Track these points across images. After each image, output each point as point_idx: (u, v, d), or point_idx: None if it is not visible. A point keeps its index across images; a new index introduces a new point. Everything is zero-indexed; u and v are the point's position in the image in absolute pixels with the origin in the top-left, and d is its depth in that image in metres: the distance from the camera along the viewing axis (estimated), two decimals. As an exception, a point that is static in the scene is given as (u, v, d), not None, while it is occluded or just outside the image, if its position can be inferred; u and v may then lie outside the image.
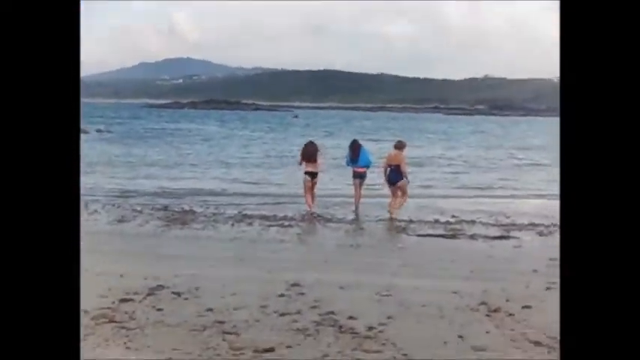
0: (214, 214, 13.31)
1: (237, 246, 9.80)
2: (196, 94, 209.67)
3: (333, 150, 30.49)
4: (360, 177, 14.22)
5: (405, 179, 13.36)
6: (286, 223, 12.21)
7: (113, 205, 14.07)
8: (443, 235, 11.30)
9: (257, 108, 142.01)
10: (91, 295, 5.90)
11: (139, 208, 13.60)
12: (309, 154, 14.01)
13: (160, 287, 6.86)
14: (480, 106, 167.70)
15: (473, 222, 12.77)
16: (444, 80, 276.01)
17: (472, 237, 11.12)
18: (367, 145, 15.66)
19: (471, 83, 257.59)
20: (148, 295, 6.55)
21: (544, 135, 45.65)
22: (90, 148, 31.19)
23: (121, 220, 12.13)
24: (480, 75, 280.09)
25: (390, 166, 13.40)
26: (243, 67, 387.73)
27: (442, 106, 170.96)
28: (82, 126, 48.07)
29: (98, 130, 48.30)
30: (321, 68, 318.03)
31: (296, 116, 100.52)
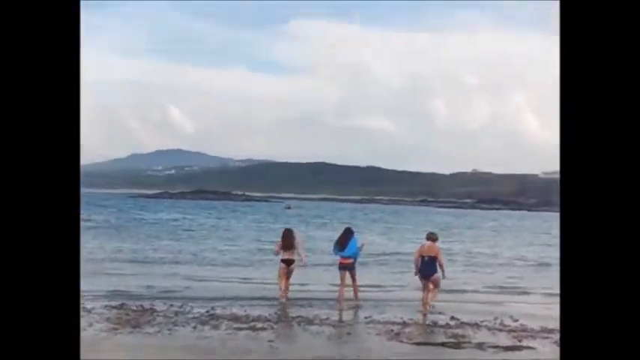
0: (177, 313, 11.45)
1: (192, 358, 7.89)
2: (187, 184, 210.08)
3: (323, 243, 28.82)
4: (346, 269, 12.93)
5: (439, 273, 12.57)
6: (259, 326, 10.36)
7: (61, 302, 12.16)
8: (444, 343, 9.46)
9: (247, 199, 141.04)
10: None
11: (89, 307, 11.67)
12: (287, 241, 13.41)
13: None
14: (469, 200, 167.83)
15: (477, 325, 11.00)
16: (433, 174, 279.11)
17: (479, 346, 9.28)
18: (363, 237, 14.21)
19: (460, 177, 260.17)
20: None
21: (542, 230, 44.18)
22: (61, 237, 29.32)
23: (60, 322, 10.20)
24: (468, 169, 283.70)
25: (423, 257, 12.52)
26: (234, 159, 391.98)
27: (431, 199, 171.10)
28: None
29: (77, 219, 46.58)
30: (311, 160, 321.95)
31: (288, 207, 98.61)
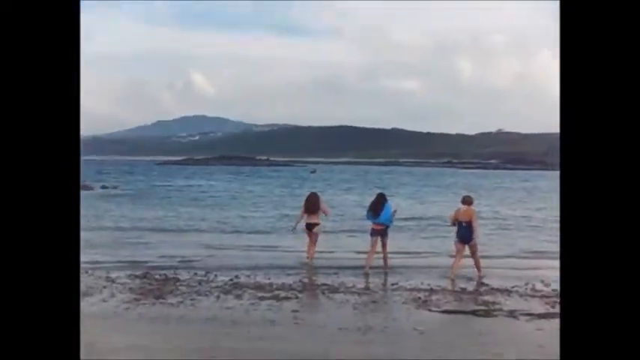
0: (200, 282, 11.30)
1: (213, 331, 7.66)
2: (211, 150, 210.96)
3: (351, 208, 28.41)
4: (378, 234, 12.67)
5: (475, 238, 12.07)
6: (282, 295, 10.15)
7: (85, 272, 12.07)
8: (474, 311, 9.12)
9: (271, 164, 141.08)
10: None
11: (113, 276, 11.61)
12: (311, 205, 13.58)
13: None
14: (494, 161, 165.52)
15: (508, 292, 10.65)
16: (458, 134, 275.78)
17: (511, 314, 8.93)
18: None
19: (485, 138, 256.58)
20: None
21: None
22: (87, 206, 29.49)
23: (83, 294, 10.10)
24: (493, 129, 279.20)
25: (460, 222, 12.10)
26: (257, 124, 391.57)
27: (455, 161, 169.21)
28: (87, 182, 46.94)
29: (103, 187, 46.93)
30: (335, 124, 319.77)
31: (314, 171, 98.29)
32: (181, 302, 9.51)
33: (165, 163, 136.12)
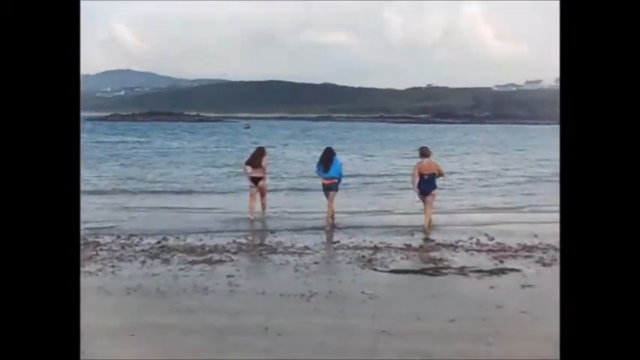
0: (124, 246, 10.24)
1: (136, 303, 6.74)
2: (138, 106, 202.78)
3: (291, 165, 27.48)
4: (329, 189, 12.44)
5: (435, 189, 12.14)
6: (216, 258, 9.29)
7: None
8: (423, 269, 8.59)
9: (201, 119, 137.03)
10: None
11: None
12: (253, 158, 13.63)
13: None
14: (425, 115, 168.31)
15: (453, 247, 10.26)
16: (388, 89, 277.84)
17: (461, 271, 8.45)
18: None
19: (415, 92, 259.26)
20: None
21: (513, 144, 44.20)
22: None
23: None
24: (422, 84, 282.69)
25: (422, 175, 11.98)
26: (186, 79, 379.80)
27: (387, 115, 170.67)
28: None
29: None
30: (266, 79, 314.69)
31: (247, 127, 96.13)
32: (100, 270, 8.46)
33: (88, 119, 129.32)
